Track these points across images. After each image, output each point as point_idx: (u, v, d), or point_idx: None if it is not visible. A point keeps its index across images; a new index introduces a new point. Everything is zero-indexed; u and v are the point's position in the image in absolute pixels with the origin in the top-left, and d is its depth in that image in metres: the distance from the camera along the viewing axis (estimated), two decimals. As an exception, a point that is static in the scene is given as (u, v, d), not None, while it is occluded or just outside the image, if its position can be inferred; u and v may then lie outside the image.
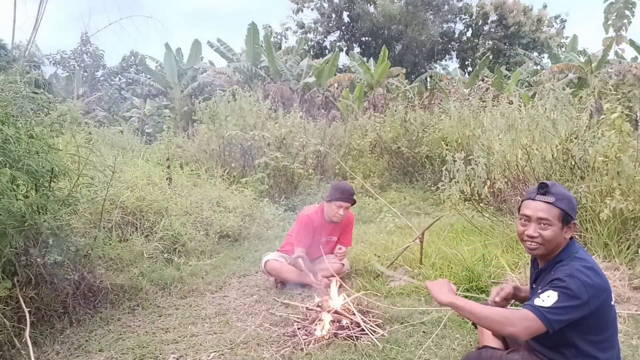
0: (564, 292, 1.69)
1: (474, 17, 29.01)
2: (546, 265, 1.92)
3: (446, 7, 28.54)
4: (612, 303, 1.84)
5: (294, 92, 16.82)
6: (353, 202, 4.01)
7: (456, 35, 30.09)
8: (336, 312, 3.11)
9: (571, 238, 1.90)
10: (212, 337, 3.04)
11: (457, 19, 29.76)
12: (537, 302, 1.70)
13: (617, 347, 1.89)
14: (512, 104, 7.31)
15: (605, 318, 1.80)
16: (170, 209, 5.04)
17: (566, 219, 1.85)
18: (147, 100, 22.14)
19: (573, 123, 4.96)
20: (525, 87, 16.61)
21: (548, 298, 1.70)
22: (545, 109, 5.49)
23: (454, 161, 5.23)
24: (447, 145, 7.44)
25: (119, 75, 26.75)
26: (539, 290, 1.78)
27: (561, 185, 1.95)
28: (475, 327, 2.46)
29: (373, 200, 7.40)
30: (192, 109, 12.81)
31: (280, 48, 25.77)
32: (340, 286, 3.53)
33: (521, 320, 1.68)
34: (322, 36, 28.97)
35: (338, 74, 18.61)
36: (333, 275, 3.80)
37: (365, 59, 20.16)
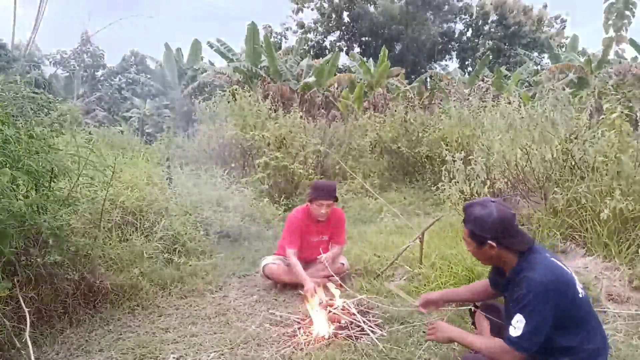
0: (530, 310, 1.77)
1: (474, 17, 29.05)
2: (510, 275, 1.98)
3: (446, 7, 28.59)
4: (581, 295, 1.85)
5: (294, 92, 16.80)
6: (335, 199, 3.94)
7: (456, 35, 30.13)
8: (335, 313, 3.11)
9: (530, 250, 1.92)
10: (212, 337, 3.04)
11: (457, 19, 29.82)
12: (511, 331, 1.81)
13: (602, 334, 1.92)
14: (510, 104, 7.30)
15: (576, 315, 1.84)
16: (170, 209, 5.02)
17: (477, 239, 1.89)
18: (147, 100, 22.14)
19: (573, 123, 4.95)
20: (526, 87, 16.61)
21: (518, 324, 1.79)
22: (545, 109, 5.48)
23: (454, 161, 5.23)
24: (447, 145, 7.44)
25: (119, 75, 26.77)
26: (512, 308, 1.86)
27: (483, 204, 1.97)
28: (475, 327, 2.47)
29: (373, 200, 7.40)
30: (192, 109, 12.81)
31: (280, 48, 25.76)
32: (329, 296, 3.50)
33: (505, 354, 1.82)
34: (322, 36, 29.00)
35: (338, 74, 18.58)
36: (332, 275, 3.80)
37: (365, 59, 20.15)
